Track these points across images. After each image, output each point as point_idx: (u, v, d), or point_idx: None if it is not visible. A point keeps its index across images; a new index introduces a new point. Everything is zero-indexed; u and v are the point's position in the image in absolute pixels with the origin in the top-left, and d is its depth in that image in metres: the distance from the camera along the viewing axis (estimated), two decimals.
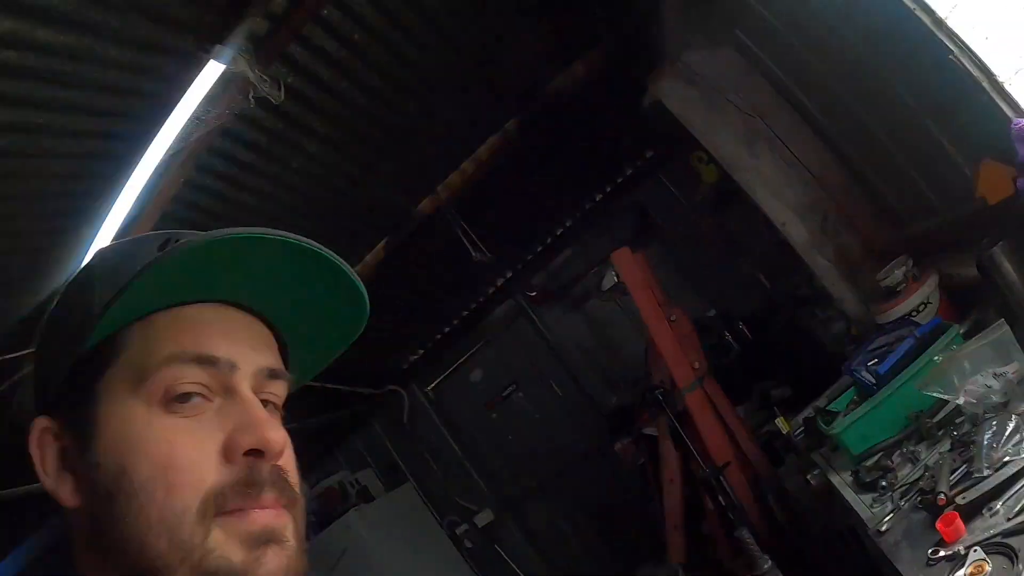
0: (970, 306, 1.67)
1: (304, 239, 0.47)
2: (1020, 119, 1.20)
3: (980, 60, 1.27)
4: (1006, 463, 1.00)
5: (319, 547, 3.76)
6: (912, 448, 1.35)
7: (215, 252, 0.46)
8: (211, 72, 1.61)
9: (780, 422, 2.50)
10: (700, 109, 2.52)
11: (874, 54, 1.60)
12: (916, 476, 1.26)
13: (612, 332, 4.35)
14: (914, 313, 1.72)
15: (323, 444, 4.50)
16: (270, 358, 0.51)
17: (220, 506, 0.44)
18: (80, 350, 0.47)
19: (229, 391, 0.47)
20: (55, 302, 0.54)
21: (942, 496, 1.05)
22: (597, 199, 4.33)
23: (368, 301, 0.53)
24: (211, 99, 1.68)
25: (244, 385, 0.48)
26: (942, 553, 0.97)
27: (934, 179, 1.71)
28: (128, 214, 1.82)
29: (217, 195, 2.14)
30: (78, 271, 0.54)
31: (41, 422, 0.49)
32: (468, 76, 2.60)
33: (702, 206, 3.89)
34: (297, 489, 0.48)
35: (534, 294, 4.46)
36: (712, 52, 2.47)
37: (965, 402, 1.19)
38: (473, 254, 3.27)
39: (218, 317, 0.49)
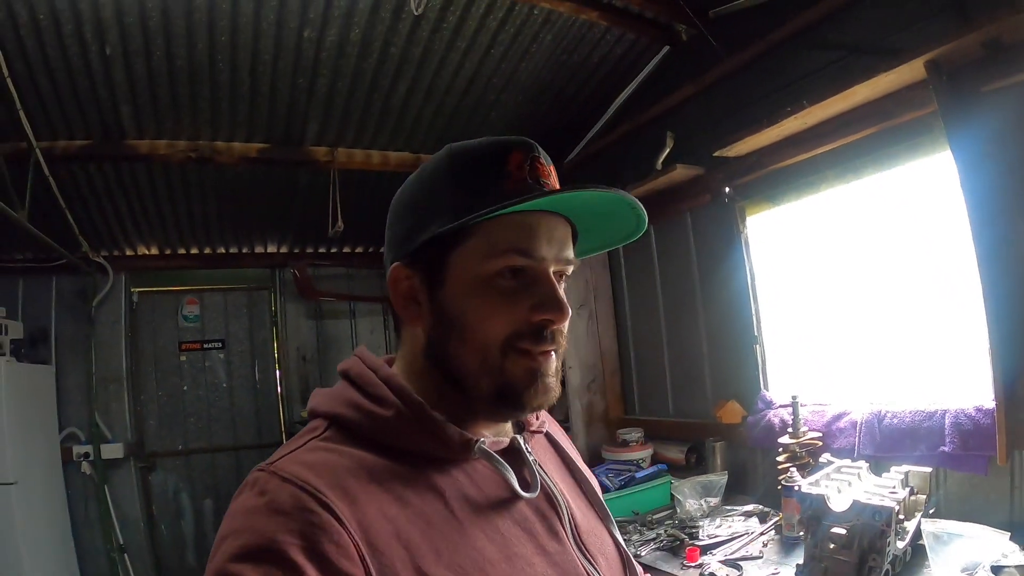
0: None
1: (616, 191, 0.65)
2: (767, 391, 2.36)
3: (765, 357, 2.45)
4: (717, 536, 1.89)
5: None
6: (638, 527, 2.18)
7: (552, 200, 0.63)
8: None
9: None
10: None
11: (712, 303, 2.73)
12: (649, 537, 2.07)
13: (337, 355, 4.54)
14: (635, 462, 2.70)
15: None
16: (568, 250, 0.68)
17: (515, 344, 0.63)
18: (438, 230, 0.63)
19: (539, 275, 0.64)
20: (411, 181, 0.69)
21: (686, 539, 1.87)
22: None
23: (647, 224, 0.71)
24: None
25: (549, 271, 0.65)
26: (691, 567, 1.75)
27: (683, 397, 2.85)
28: None
29: None
30: (435, 162, 0.67)
31: (398, 266, 0.67)
32: None
33: None
34: (564, 339, 0.67)
35: (298, 278, 4.35)
36: None
37: (689, 508, 2.11)
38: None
39: (540, 223, 0.65)
